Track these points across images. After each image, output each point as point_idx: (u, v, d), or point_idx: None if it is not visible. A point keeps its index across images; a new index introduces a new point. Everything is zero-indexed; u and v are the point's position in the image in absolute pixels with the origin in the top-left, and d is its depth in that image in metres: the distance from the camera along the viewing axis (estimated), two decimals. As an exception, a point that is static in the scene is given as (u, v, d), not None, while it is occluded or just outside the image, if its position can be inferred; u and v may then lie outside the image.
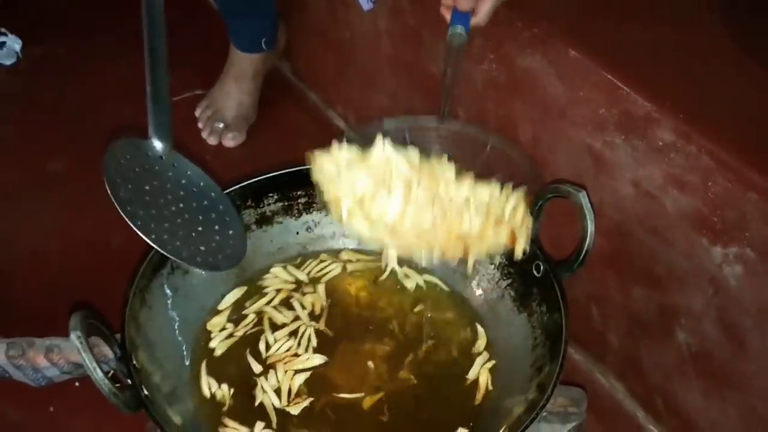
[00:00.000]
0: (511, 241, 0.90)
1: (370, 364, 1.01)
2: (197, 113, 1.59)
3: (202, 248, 0.92)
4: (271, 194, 1.11)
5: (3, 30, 1.73)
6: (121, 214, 0.87)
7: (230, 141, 1.56)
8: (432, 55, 1.27)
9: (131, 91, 1.63)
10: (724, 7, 1.08)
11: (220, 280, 1.08)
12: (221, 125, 1.56)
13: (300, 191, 1.13)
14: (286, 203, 1.13)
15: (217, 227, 0.96)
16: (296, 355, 1.01)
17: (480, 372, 1.01)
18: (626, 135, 0.97)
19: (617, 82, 0.96)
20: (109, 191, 0.87)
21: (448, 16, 1.02)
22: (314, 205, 1.14)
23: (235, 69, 1.56)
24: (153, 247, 0.91)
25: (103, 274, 1.26)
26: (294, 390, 0.98)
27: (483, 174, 0.94)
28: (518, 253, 0.91)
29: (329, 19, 1.50)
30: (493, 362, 1.02)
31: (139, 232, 0.87)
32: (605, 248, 1.05)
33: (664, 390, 1.06)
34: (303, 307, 1.07)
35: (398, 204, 0.88)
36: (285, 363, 1.00)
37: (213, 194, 0.99)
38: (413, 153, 0.93)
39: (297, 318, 1.06)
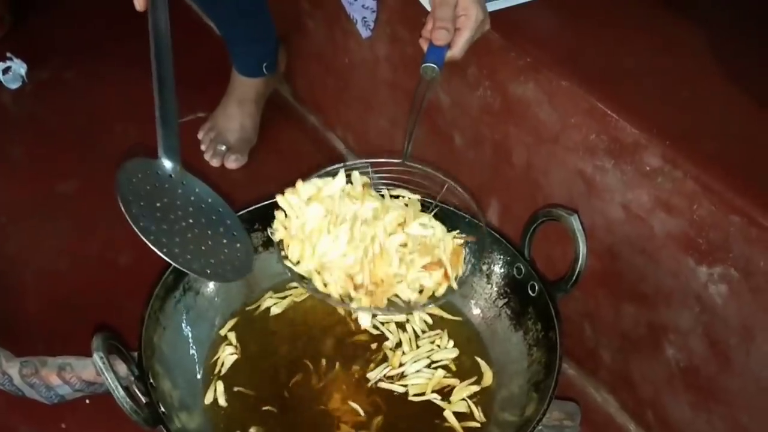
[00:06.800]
0: (445, 278, 0.93)
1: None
2: (200, 136, 1.60)
3: (212, 261, 0.94)
4: (277, 217, 1.13)
5: (8, 54, 1.74)
6: (134, 228, 0.88)
7: (232, 163, 1.57)
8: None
9: (137, 112, 1.64)
10: (709, 36, 1.11)
11: (228, 300, 1.10)
12: (224, 147, 1.57)
13: (305, 214, 1.15)
14: (291, 226, 1.15)
15: (225, 241, 0.98)
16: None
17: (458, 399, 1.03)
18: (616, 160, 1.00)
19: (607, 109, 0.99)
20: (122, 208, 0.89)
21: (425, 47, 1.02)
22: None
23: (237, 92, 1.58)
24: (167, 264, 0.92)
25: (113, 293, 1.29)
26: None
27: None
28: (449, 287, 0.93)
29: (329, 45, 1.53)
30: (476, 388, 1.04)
31: (151, 246, 0.89)
32: (597, 268, 1.07)
33: (654, 403, 1.08)
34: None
35: (343, 245, 0.90)
36: None
37: (220, 209, 1.01)
38: (362, 181, 0.97)
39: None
